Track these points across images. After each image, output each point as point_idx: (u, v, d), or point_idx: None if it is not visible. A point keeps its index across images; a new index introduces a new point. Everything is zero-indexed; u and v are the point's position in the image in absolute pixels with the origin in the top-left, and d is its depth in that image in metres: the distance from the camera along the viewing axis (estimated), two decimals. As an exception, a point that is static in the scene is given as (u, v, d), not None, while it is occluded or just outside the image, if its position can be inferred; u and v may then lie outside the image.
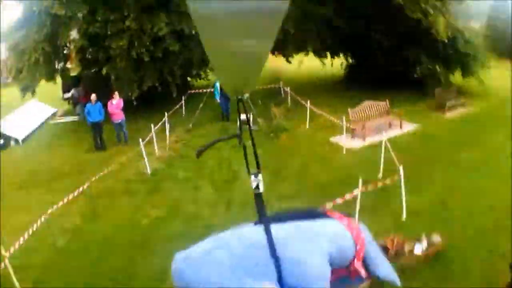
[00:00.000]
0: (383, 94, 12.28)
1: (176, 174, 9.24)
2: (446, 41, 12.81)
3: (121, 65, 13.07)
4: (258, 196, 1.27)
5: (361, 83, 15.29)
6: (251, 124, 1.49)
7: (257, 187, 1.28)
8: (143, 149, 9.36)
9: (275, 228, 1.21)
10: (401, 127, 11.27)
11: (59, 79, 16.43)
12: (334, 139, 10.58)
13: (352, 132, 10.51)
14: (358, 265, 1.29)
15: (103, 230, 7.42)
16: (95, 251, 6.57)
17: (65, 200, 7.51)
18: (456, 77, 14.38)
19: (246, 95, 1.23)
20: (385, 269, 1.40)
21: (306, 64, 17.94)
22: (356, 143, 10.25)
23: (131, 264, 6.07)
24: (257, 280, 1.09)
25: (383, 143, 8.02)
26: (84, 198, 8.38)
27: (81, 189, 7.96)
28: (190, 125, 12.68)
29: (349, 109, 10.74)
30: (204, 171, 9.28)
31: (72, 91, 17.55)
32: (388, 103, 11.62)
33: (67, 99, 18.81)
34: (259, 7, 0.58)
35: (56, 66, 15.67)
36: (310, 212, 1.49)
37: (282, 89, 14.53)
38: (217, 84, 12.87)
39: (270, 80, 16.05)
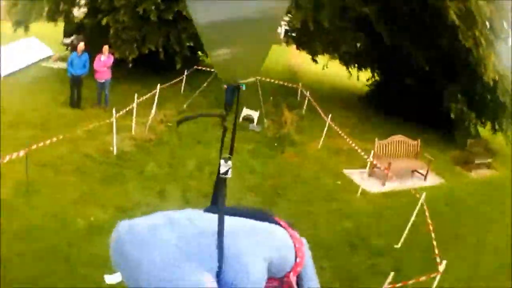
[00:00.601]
0: (409, 127, 10.49)
1: (144, 165, 7.35)
2: (489, 84, 10.97)
3: (124, 19, 11.14)
4: (222, 181, 1.13)
5: (386, 105, 13.35)
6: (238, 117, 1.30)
7: (226, 172, 1.14)
8: (114, 122, 7.48)
9: (226, 219, 1.08)
10: (425, 178, 9.30)
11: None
12: (348, 171, 8.60)
13: (371, 169, 8.50)
14: (293, 278, 1.21)
15: (29, 215, 5.65)
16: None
17: (7, 157, 5.76)
18: (483, 131, 12.76)
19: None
20: None
21: (330, 70, 15.92)
22: (374, 185, 8.24)
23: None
24: (199, 268, 1.00)
25: (421, 199, 6.06)
26: (29, 161, 6.60)
27: (26, 150, 6.12)
28: (185, 106, 10.73)
29: (376, 140, 8.71)
30: (178, 172, 7.33)
31: (73, 37, 15.93)
32: (419, 145, 9.63)
33: (66, 44, 17.13)
34: (259, 9, 0.58)
35: (61, 7, 14.07)
36: (261, 213, 1.31)
37: (300, 91, 12.45)
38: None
39: (287, 77, 14.13)
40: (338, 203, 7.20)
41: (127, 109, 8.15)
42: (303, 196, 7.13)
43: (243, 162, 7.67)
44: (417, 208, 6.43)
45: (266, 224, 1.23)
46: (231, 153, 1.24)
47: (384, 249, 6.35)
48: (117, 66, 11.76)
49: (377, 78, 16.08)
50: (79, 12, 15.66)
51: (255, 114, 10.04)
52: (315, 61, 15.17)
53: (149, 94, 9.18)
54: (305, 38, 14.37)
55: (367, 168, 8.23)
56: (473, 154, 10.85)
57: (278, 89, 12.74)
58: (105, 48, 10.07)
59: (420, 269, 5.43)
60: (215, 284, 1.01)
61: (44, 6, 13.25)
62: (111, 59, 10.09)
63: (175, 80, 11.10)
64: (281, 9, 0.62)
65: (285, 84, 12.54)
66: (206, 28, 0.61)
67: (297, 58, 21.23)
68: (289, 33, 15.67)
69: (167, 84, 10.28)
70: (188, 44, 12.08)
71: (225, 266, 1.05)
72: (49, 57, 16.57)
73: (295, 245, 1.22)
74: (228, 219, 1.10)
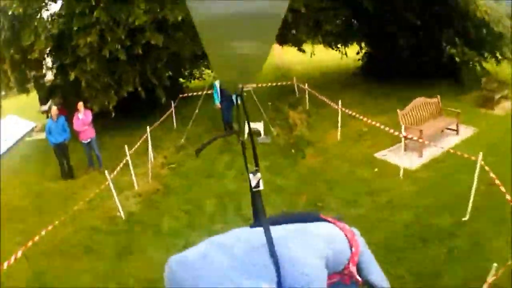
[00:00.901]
0: (413, 86, 10.05)
1: (158, 222, 6.37)
2: (482, 18, 10.71)
3: (92, 67, 10.25)
4: (257, 195, 1.14)
5: (384, 72, 12.62)
6: (251, 128, 1.20)
7: (257, 185, 1.15)
8: (111, 184, 6.52)
9: (272, 229, 1.08)
10: (457, 132, 8.40)
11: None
12: (380, 154, 7.61)
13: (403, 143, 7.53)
14: (353, 269, 1.20)
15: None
16: None
17: (5, 264, 4.84)
18: (488, 67, 12.03)
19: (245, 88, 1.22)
20: (378, 276, 1.30)
21: (316, 56, 15.13)
22: (412, 160, 7.26)
23: None
24: (257, 282, 1.01)
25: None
26: (33, 254, 5.69)
27: (23, 249, 5.17)
28: (182, 140, 9.77)
29: (398, 111, 7.73)
30: (199, 217, 6.31)
31: (49, 103, 15.12)
32: (439, 101, 8.73)
33: (45, 112, 16.32)
34: (259, 7, 0.57)
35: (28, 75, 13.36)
36: (305, 215, 1.33)
37: (296, 86, 11.48)
38: (217, 84, 9.89)
39: (277, 77, 13.22)
40: (385, 195, 6.19)
41: (122, 164, 7.19)
42: (345, 200, 6.13)
43: (264, 184, 6.68)
44: (477, 171, 5.43)
45: (312, 224, 1.19)
46: (256, 164, 1.23)
47: (454, 227, 5.39)
48: (100, 119, 10.89)
49: (366, 49, 15.25)
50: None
51: (259, 126, 9.08)
52: (301, 50, 14.24)
53: (140, 140, 8.23)
54: (286, 31, 13.51)
55: (400, 144, 7.26)
56: (490, 91, 10.32)
57: (273, 92, 11.81)
58: (80, 104, 9.18)
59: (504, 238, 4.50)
60: (272, 285, 1.00)
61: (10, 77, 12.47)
62: (90, 115, 9.18)
63: (164, 117, 10.14)
64: (282, 7, 0.60)
65: (279, 84, 11.58)
66: (205, 27, 0.60)
67: (280, 55, 20.51)
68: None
69: (157, 123, 9.34)
70: (166, 74, 11.17)
71: (283, 274, 1.03)
72: (31, 130, 15.81)
73: (347, 236, 1.19)
74: (274, 229, 1.08)
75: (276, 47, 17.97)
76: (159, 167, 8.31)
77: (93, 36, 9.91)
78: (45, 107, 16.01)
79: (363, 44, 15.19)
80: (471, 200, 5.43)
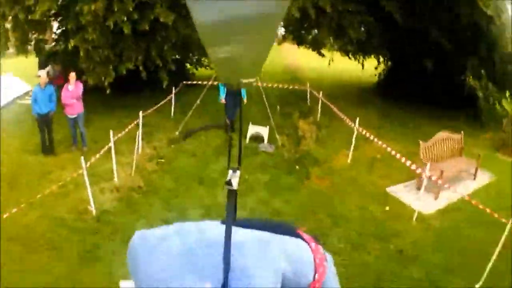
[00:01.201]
0: (432, 113, 9.18)
1: (131, 227, 5.52)
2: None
3: (93, 37, 9.36)
4: (232, 194, 1.09)
5: (401, 93, 11.75)
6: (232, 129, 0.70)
7: (230, 183, 1.08)
8: (85, 171, 5.67)
9: (237, 231, 1.08)
10: (475, 177, 7.54)
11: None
12: (393, 190, 6.77)
13: (417, 180, 6.71)
14: None
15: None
16: None
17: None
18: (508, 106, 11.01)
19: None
20: None
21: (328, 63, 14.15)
22: (427, 202, 6.41)
23: None
24: (201, 280, 1.03)
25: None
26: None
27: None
28: (177, 133, 8.91)
29: (421, 143, 6.88)
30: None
31: (48, 68, 14.21)
32: (462, 139, 7.87)
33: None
34: (260, 7, 0.55)
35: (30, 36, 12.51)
36: (281, 226, 1.26)
37: (309, 93, 10.58)
38: (224, 78, 8.88)
39: (289, 80, 12.32)
40: (396, 241, 5.36)
41: (103, 151, 6.34)
42: (350, 240, 5.29)
43: (260, 202, 5.89)
44: (505, 235, 4.64)
45: (282, 237, 1.16)
46: (239, 163, 1.18)
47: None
48: (93, 94, 10.02)
49: (384, 64, 14.33)
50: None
51: (264, 131, 8.20)
52: (321, 54, 13.26)
53: (130, 126, 7.36)
54: (306, 31, 12.59)
55: (414, 181, 6.41)
56: (509, 134, 9.33)
57: (283, 95, 10.94)
58: (71, 75, 8.28)
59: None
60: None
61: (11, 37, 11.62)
62: (80, 88, 8.29)
63: (161, 103, 9.26)
64: (282, 7, 0.57)
65: (291, 87, 10.67)
66: (205, 24, 0.58)
67: (292, 57, 19.65)
68: (285, 29, 13.78)
69: (152, 109, 8.45)
70: (172, 57, 10.28)
71: (231, 278, 1.02)
72: (26, 93, 14.96)
73: (315, 260, 1.15)
74: (239, 231, 1.08)
75: (289, 47, 17.09)
76: (146, 159, 7.45)
77: (98, 4, 8.99)
78: (42, 72, 15.17)
79: (381, 59, 14.32)
80: (489, 265, 4.62)
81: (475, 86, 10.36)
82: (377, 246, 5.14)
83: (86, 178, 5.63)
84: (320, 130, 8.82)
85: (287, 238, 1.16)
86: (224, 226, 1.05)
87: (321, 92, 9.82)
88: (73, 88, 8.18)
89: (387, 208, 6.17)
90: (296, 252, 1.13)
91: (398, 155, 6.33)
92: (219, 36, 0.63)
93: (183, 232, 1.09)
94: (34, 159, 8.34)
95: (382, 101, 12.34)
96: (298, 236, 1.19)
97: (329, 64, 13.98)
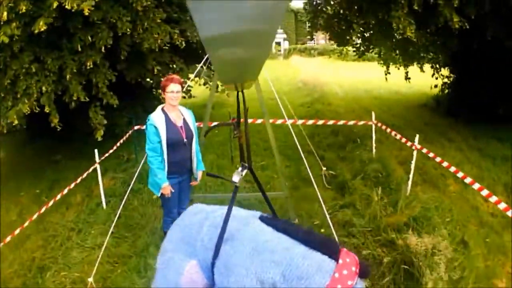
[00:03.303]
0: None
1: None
2: None
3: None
4: (236, 189, 1.27)
5: (466, 109, 8.08)
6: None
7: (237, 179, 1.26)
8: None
9: (258, 227, 1.16)
10: None
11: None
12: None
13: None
14: None
15: None
16: None
17: None
18: None
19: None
20: None
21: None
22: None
23: None
24: (190, 256, 1.16)
25: None
26: None
27: None
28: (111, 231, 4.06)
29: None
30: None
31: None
32: None
33: None
34: (259, 12, 0.57)
35: None
36: (322, 240, 1.22)
37: (374, 126, 5.61)
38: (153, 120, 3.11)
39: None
40: None
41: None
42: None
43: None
44: None
45: (302, 249, 1.09)
46: (249, 162, 1.32)
47: None
48: None
49: (446, 74, 9.85)
50: None
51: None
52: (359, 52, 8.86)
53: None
54: (347, 27, 8.04)
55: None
56: None
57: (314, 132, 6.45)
58: None
59: None
60: (197, 273, 1.14)
61: None
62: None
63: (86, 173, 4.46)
64: (281, 8, 0.58)
65: (357, 122, 5.84)
66: (206, 26, 0.59)
67: (305, 69, 15.79)
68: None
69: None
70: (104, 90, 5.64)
71: (217, 266, 1.11)
72: None
73: (327, 286, 1.07)
74: (259, 229, 1.15)
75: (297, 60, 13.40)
76: None
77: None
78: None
79: (447, 69, 9.81)
80: None
81: None
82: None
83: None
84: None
85: (310, 252, 1.07)
86: (256, 221, 1.19)
87: (384, 126, 5.23)
88: None
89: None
90: (304, 270, 1.04)
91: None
92: (220, 38, 0.63)
93: (214, 213, 1.22)
94: None
95: (445, 120, 8.35)
96: (333, 256, 1.09)
97: (386, 78, 10.02)
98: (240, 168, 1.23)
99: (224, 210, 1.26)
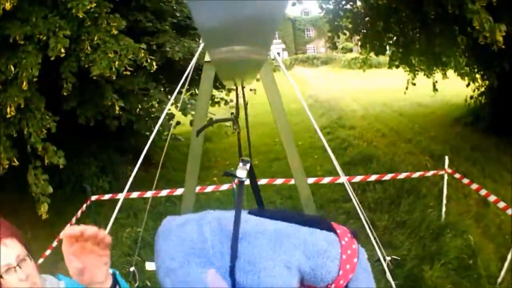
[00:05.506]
0: None
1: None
2: None
3: None
4: (241, 185, 1.16)
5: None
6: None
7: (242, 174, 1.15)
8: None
9: (259, 222, 1.11)
10: None
11: None
12: None
13: None
14: None
15: None
16: None
17: None
18: None
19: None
20: None
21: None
22: None
23: None
24: (206, 266, 1.05)
25: None
26: None
27: None
28: None
29: None
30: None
31: None
32: None
33: None
34: (259, 11, 0.54)
35: None
36: (313, 218, 1.26)
37: (446, 176, 3.64)
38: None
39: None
40: None
41: None
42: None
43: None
44: None
45: (307, 229, 1.12)
46: (250, 156, 1.21)
47: None
48: None
49: (482, 83, 8.06)
50: None
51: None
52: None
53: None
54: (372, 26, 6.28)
55: None
56: None
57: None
58: None
59: None
60: (220, 280, 1.00)
61: None
62: None
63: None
64: (281, 7, 0.58)
65: (421, 173, 3.95)
66: (206, 26, 0.57)
67: (313, 84, 14.22)
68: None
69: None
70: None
71: (239, 268, 1.02)
72: None
73: (341, 256, 1.09)
74: (261, 222, 1.08)
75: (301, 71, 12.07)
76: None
77: None
78: None
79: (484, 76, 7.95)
80: None
81: None
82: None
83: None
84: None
85: (313, 230, 1.10)
86: (249, 216, 1.08)
87: (457, 174, 3.54)
88: None
89: None
90: (319, 246, 1.07)
91: None
92: (221, 37, 0.63)
93: (202, 220, 1.09)
94: None
95: (485, 138, 6.87)
96: (330, 229, 1.12)
97: (407, 88, 8.36)
98: (241, 163, 1.08)
99: (210, 213, 1.13)
